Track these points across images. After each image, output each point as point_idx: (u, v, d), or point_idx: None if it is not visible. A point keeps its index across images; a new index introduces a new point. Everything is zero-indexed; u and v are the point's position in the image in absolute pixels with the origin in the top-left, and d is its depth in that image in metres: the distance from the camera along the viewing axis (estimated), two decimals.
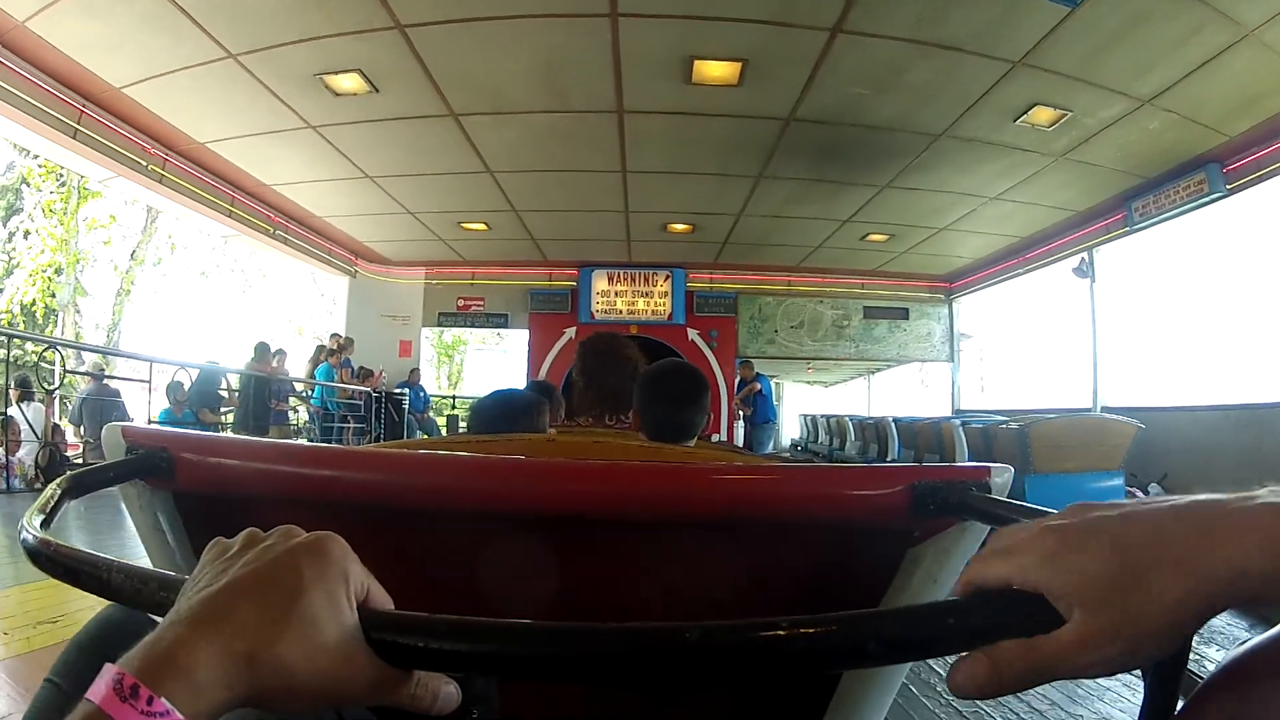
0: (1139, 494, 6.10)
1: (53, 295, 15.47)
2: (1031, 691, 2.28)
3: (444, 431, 12.04)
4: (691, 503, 0.69)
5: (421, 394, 11.45)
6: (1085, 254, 8.74)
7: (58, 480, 0.67)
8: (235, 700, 0.36)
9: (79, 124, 6.15)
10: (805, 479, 0.73)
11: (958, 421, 7.81)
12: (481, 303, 11.76)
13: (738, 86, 5.44)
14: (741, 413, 10.07)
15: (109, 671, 0.34)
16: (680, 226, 9.16)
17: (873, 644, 0.38)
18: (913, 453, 9.11)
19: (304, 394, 10.03)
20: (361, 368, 10.53)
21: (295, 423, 9.41)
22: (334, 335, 10.54)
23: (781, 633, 0.38)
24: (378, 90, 5.77)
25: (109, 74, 5.69)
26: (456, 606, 0.41)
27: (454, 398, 13.55)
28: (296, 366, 10.03)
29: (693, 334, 11.58)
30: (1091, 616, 0.36)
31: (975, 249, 9.93)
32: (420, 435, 11.04)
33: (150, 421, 6.44)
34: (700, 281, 11.61)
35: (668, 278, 11.43)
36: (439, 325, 12.03)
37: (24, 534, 0.55)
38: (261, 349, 8.50)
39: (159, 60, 5.39)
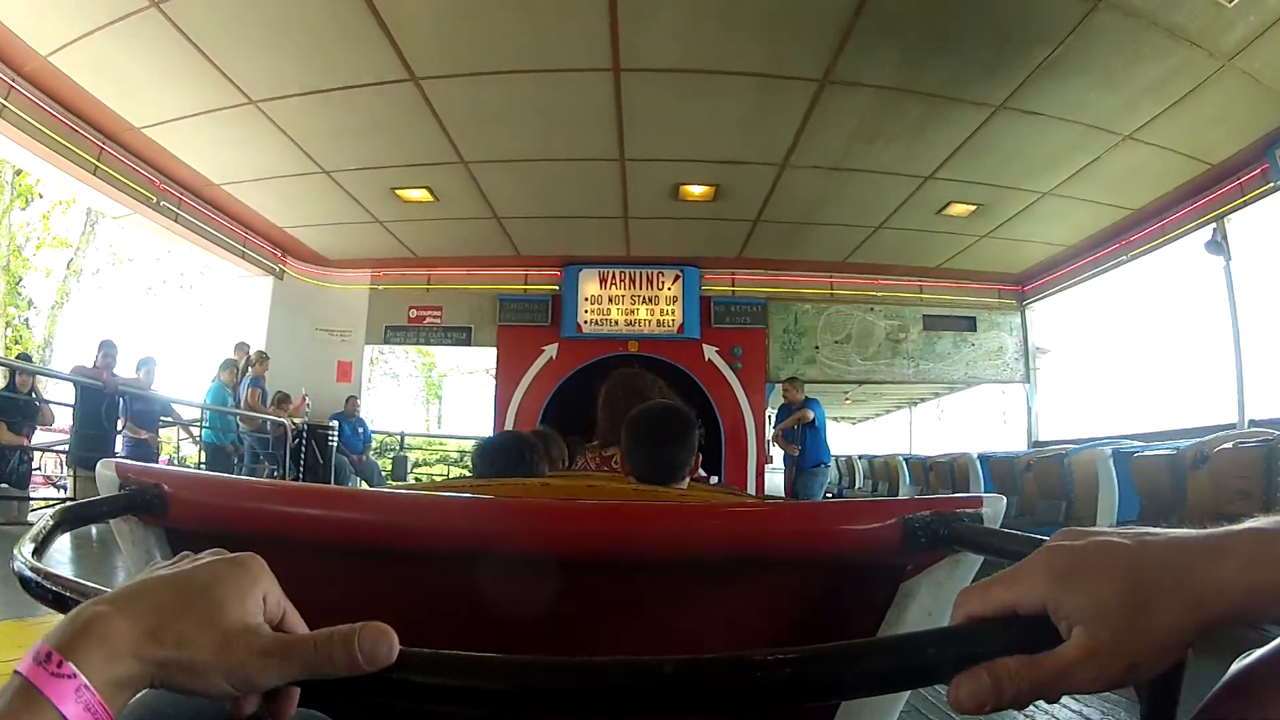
0: None
1: None
2: None
3: (388, 477, 9.44)
4: (683, 542, 0.68)
5: (361, 429, 8.86)
6: (1215, 224, 6.58)
7: (51, 512, 0.68)
8: (144, 673, 0.38)
9: None
10: (795, 515, 0.75)
11: (1108, 450, 5.42)
12: (438, 313, 9.23)
13: None
14: (781, 450, 7.37)
15: (36, 643, 0.36)
16: (698, 190, 6.66)
17: (850, 676, 0.38)
18: (1017, 498, 6.75)
19: (191, 422, 7.53)
20: (278, 392, 8.01)
21: (169, 455, 6.77)
22: (240, 345, 8.01)
23: (758, 667, 0.38)
24: None
25: None
26: (447, 645, 0.41)
27: (402, 435, 10.80)
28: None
29: (710, 351, 9.02)
30: (1097, 633, 0.37)
31: (1068, 231, 7.62)
32: (356, 480, 8.48)
33: None
34: (720, 284, 9.10)
35: (677, 278, 8.94)
36: (385, 342, 9.49)
37: (16, 563, 0.56)
38: (106, 347, 5.99)
39: None
